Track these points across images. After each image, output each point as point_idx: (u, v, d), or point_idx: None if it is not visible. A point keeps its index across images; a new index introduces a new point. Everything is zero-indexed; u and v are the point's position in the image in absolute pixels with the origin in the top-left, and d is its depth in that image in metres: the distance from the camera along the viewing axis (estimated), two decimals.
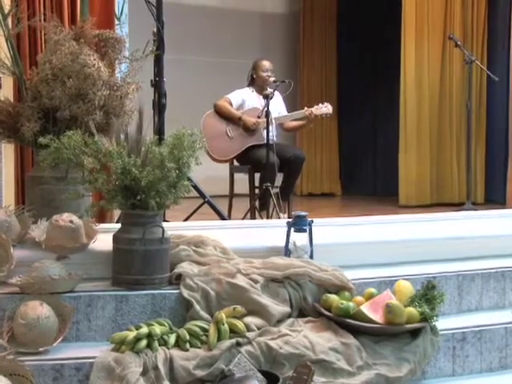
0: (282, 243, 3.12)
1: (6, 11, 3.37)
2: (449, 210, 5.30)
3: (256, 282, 2.82)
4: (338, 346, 2.64)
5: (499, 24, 6.88)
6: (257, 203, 4.95)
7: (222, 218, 4.10)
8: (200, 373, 2.45)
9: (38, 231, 2.93)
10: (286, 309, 2.80)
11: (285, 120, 5.37)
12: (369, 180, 8.53)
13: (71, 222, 2.85)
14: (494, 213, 4.66)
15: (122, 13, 4.14)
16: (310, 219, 3.11)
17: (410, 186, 6.85)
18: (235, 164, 5.37)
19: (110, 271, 2.83)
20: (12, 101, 3.53)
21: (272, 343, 2.59)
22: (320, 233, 3.19)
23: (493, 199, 6.83)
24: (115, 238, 2.80)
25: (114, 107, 3.33)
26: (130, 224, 2.78)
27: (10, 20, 3.41)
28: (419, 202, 6.76)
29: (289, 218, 4.06)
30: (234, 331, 2.60)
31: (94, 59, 3.23)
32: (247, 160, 5.18)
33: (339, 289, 2.89)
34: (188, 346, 2.54)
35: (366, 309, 2.72)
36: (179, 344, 2.55)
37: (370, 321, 2.71)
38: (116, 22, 4.14)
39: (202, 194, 4.11)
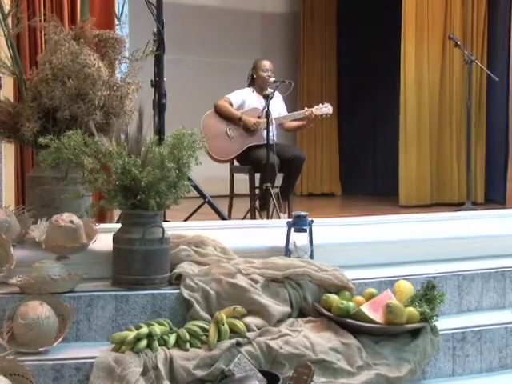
0: (282, 243, 3.12)
1: (6, 11, 3.37)
2: (449, 210, 5.30)
3: (256, 282, 2.82)
4: (338, 346, 2.64)
5: (499, 24, 6.88)
6: (257, 203, 4.95)
7: (223, 218, 4.10)
8: (200, 373, 2.46)
9: (38, 231, 2.93)
10: (286, 309, 2.80)
11: (285, 120, 5.37)
12: (369, 180, 8.53)
13: (71, 222, 2.85)
14: (494, 213, 4.66)
15: (122, 13, 4.14)
16: (310, 219, 3.11)
17: (410, 186, 6.85)
18: (235, 164, 5.37)
19: (110, 271, 2.83)
20: (12, 101, 3.53)
21: (272, 343, 2.59)
22: (320, 233, 3.19)
23: (493, 199, 6.83)
24: (115, 238, 2.81)
25: (114, 107, 3.33)
26: (130, 224, 2.78)
27: (10, 20, 3.41)
28: (419, 201, 6.76)
29: (289, 218, 4.06)
30: (234, 331, 2.60)
31: (94, 59, 3.23)
32: (247, 160, 5.18)
33: (339, 289, 2.89)
34: (188, 346, 2.54)
35: (366, 309, 2.72)
36: (179, 344, 2.55)
37: (370, 321, 2.71)
38: (116, 22, 4.13)
39: (202, 194, 4.11)
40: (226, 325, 2.59)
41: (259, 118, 5.11)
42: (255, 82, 5.38)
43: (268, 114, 4.82)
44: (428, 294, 2.84)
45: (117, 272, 2.79)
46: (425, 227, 3.74)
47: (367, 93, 8.35)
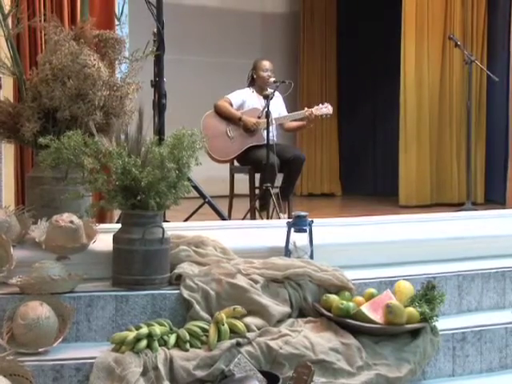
0: (282, 243, 3.12)
1: (6, 11, 3.37)
2: (449, 210, 5.30)
3: (256, 282, 2.82)
4: (338, 346, 2.65)
5: (499, 24, 6.88)
6: (257, 203, 4.95)
7: (222, 219, 4.10)
8: (200, 373, 2.46)
9: (38, 231, 2.93)
10: (286, 309, 2.80)
11: (285, 120, 5.37)
12: (369, 180, 8.53)
13: (71, 222, 2.85)
14: (494, 213, 4.66)
15: (122, 13, 4.14)
16: (310, 219, 3.11)
17: (410, 186, 6.85)
18: (235, 164, 5.37)
19: (110, 271, 2.83)
20: (12, 101, 3.53)
21: (272, 343, 2.59)
22: (320, 233, 3.19)
23: (493, 199, 6.83)
24: (115, 239, 2.81)
25: (114, 107, 3.33)
26: (130, 224, 2.78)
27: (10, 20, 3.41)
28: (419, 202, 6.76)
29: (289, 218, 4.06)
30: (234, 331, 2.60)
31: (94, 59, 3.23)
32: (247, 160, 5.18)
33: (339, 289, 2.89)
34: (188, 346, 2.54)
35: (366, 309, 2.72)
36: (179, 344, 2.55)
37: (370, 321, 2.71)
38: (116, 22, 4.13)
39: (202, 195, 4.11)
40: (225, 325, 2.59)
41: (259, 118, 5.11)
42: (255, 82, 5.38)
43: (268, 114, 4.82)
44: (428, 294, 2.84)
45: (117, 272, 2.79)
46: (425, 227, 3.74)
47: (367, 93, 8.35)
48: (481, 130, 6.93)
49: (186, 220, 4.13)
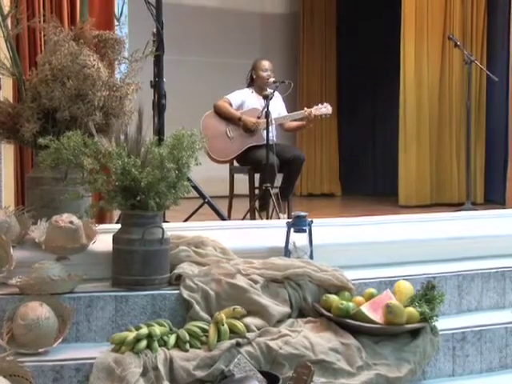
0: (282, 243, 3.12)
1: (6, 12, 3.37)
2: (448, 210, 5.30)
3: (256, 282, 2.82)
4: (338, 346, 2.64)
5: (499, 24, 6.88)
6: (257, 204, 4.95)
7: (222, 219, 4.10)
8: (200, 373, 2.46)
9: (38, 232, 2.93)
10: (286, 309, 2.80)
11: (284, 120, 5.37)
12: (369, 180, 8.53)
13: (71, 222, 2.85)
14: (494, 213, 4.66)
15: (121, 13, 4.14)
16: (309, 219, 3.11)
17: (410, 186, 6.85)
18: (235, 165, 5.37)
19: (110, 272, 2.83)
20: (12, 101, 3.53)
21: (272, 343, 2.59)
22: (320, 233, 3.19)
23: (492, 199, 6.83)
24: (115, 239, 2.81)
25: (113, 108, 3.33)
26: (129, 225, 2.78)
27: (9, 21, 3.40)
28: (419, 202, 6.76)
29: (288, 218, 4.06)
30: (233, 332, 2.60)
31: (94, 60, 3.23)
32: (247, 160, 5.18)
33: (339, 289, 2.88)
34: (188, 346, 2.54)
35: (365, 309, 2.72)
36: (179, 345, 2.55)
37: (370, 321, 2.70)
38: (115, 22, 4.13)
39: (201, 195, 4.11)
40: (225, 325, 2.59)
41: (259, 118, 5.11)
42: (255, 82, 5.38)
43: (267, 115, 4.82)
44: (428, 294, 2.84)
45: (116, 273, 2.79)
46: (424, 227, 3.74)
47: (367, 93, 8.36)
48: (480, 130, 6.93)
49: (185, 220, 4.13)
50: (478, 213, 4.90)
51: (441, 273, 3.15)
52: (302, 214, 3.14)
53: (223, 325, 2.58)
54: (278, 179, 5.03)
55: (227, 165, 5.36)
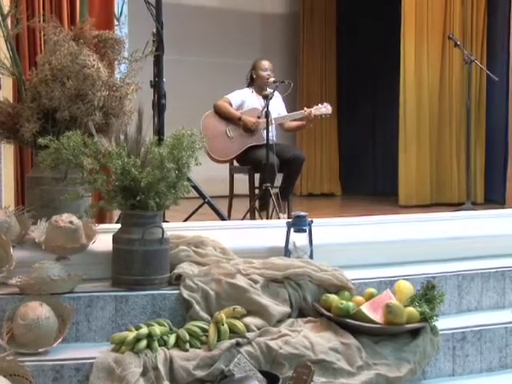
0: (282, 243, 3.12)
1: (6, 12, 3.37)
2: (448, 210, 5.30)
3: (256, 282, 2.82)
4: (338, 346, 2.64)
5: (499, 24, 6.88)
6: (256, 203, 4.95)
7: (222, 219, 4.11)
8: (200, 373, 2.45)
9: (38, 232, 2.93)
10: (286, 309, 2.80)
11: (284, 120, 5.37)
12: (368, 180, 8.53)
13: (71, 222, 2.85)
14: (494, 212, 4.66)
15: (121, 13, 4.14)
16: (309, 219, 3.11)
17: (410, 186, 6.85)
18: (235, 164, 5.37)
19: (110, 272, 2.83)
20: (11, 101, 3.53)
21: (272, 343, 2.59)
22: (320, 233, 3.19)
23: (492, 199, 6.83)
24: (115, 239, 2.81)
25: (113, 108, 3.33)
26: (129, 224, 2.78)
27: (9, 21, 3.41)
28: (419, 201, 6.76)
29: (288, 218, 4.06)
30: (233, 331, 2.60)
31: (94, 60, 3.23)
32: (247, 160, 5.18)
33: (339, 289, 2.88)
34: (188, 346, 2.54)
35: (365, 309, 2.72)
36: (179, 344, 2.55)
37: (370, 321, 2.70)
38: (115, 22, 4.14)
39: (201, 195, 4.11)
40: (225, 325, 2.59)
41: (259, 118, 5.11)
42: (254, 82, 5.39)
43: (267, 114, 4.82)
44: (428, 293, 2.84)
45: (116, 272, 2.79)
46: (424, 227, 3.74)
47: (367, 93, 8.36)
48: (480, 130, 6.94)
49: (185, 220, 4.14)
50: (477, 213, 4.90)
51: (441, 272, 3.15)
52: (302, 213, 3.14)
53: (223, 324, 2.58)
54: (278, 179, 5.03)
55: (227, 165, 5.36)
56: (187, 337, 2.56)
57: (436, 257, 3.39)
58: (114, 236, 2.81)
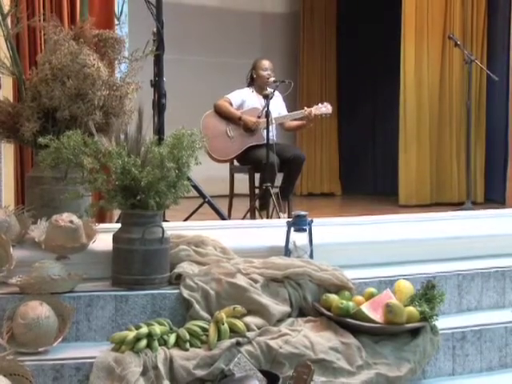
0: (282, 243, 3.12)
1: (6, 11, 3.37)
2: (448, 210, 5.30)
3: (256, 281, 2.82)
4: (338, 345, 2.64)
5: (499, 24, 6.88)
6: (257, 203, 4.95)
7: (222, 218, 4.10)
8: (200, 372, 2.45)
9: (38, 231, 2.93)
10: (286, 308, 2.80)
11: (284, 120, 5.37)
12: (369, 180, 8.53)
13: (71, 222, 2.85)
14: (494, 212, 4.66)
15: (121, 13, 4.15)
16: (309, 219, 3.11)
17: (410, 186, 6.85)
18: (235, 164, 5.37)
19: (110, 271, 2.83)
20: (12, 101, 3.53)
21: (272, 343, 2.59)
22: (320, 232, 3.19)
23: (492, 199, 6.83)
24: (115, 238, 2.80)
25: (113, 107, 3.33)
26: (129, 224, 2.78)
27: (9, 20, 3.41)
28: (419, 201, 6.76)
29: (289, 217, 4.05)
30: (233, 331, 2.60)
31: (94, 59, 3.23)
32: (247, 160, 5.18)
33: (339, 288, 2.88)
34: (188, 345, 2.54)
35: (365, 308, 2.72)
36: (179, 344, 2.55)
37: (370, 320, 2.70)
38: (116, 21, 4.14)
39: (201, 194, 4.11)
40: (225, 324, 2.59)
41: (259, 117, 5.11)
42: (255, 81, 5.38)
43: (268, 114, 4.82)
44: (428, 293, 2.84)
45: (116, 272, 2.79)
46: (424, 227, 3.74)
47: (367, 93, 8.36)
48: (480, 130, 6.94)
49: (185, 220, 4.14)
50: (477, 212, 4.89)
51: (441, 272, 3.15)
52: (302, 213, 3.14)
53: (223, 324, 2.58)
54: (279, 179, 5.03)
55: (227, 164, 5.36)
56: (187, 336, 2.56)
57: (436, 256, 3.39)
58: (114, 235, 2.81)
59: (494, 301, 3.25)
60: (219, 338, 2.56)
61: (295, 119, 5.40)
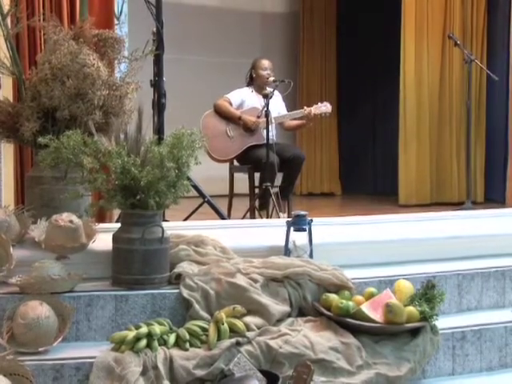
0: (282, 243, 3.12)
1: (6, 11, 3.37)
2: (448, 209, 5.30)
3: (256, 281, 2.82)
4: (338, 345, 2.64)
5: (499, 23, 6.88)
6: (256, 203, 4.95)
7: (222, 218, 4.10)
8: (200, 372, 2.45)
9: (38, 231, 2.93)
10: (286, 308, 2.80)
11: (284, 119, 5.37)
12: (368, 179, 8.53)
13: (71, 221, 2.85)
14: (494, 212, 4.66)
15: (121, 12, 4.15)
16: (309, 218, 3.11)
17: (410, 186, 6.85)
18: (235, 164, 5.37)
19: (110, 271, 2.83)
20: (11, 101, 3.53)
21: (272, 343, 2.59)
22: (320, 232, 3.19)
23: (492, 198, 6.83)
24: (115, 238, 2.80)
25: (113, 107, 3.33)
26: (129, 224, 2.78)
27: (9, 20, 3.40)
28: (419, 201, 6.76)
29: (288, 217, 4.06)
30: (233, 331, 2.60)
31: (94, 59, 3.23)
32: (247, 160, 5.18)
33: (339, 288, 2.88)
34: (188, 345, 2.54)
35: (365, 308, 2.72)
36: (179, 344, 2.55)
37: (370, 320, 2.70)
38: (115, 21, 4.14)
39: (201, 194, 4.11)
40: (225, 324, 2.58)
41: (259, 117, 5.10)
42: (254, 81, 5.38)
43: (267, 114, 4.82)
44: (428, 293, 2.84)
45: (116, 272, 2.79)
46: (424, 226, 3.74)
47: (367, 92, 8.36)
48: (480, 129, 6.93)
49: (185, 219, 4.13)
50: (477, 212, 4.90)
51: (441, 272, 3.15)
52: (302, 213, 3.14)
53: (223, 324, 2.58)
54: (278, 178, 5.03)
55: (227, 164, 5.36)
56: (187, 336, 2.56)
57: (436, 256, 3.39)
58: (113, 235, 2.81)
59: (493, 301, 3.25)
60: (219, 338, 2.56)
61: (295, 118, 5.40)
